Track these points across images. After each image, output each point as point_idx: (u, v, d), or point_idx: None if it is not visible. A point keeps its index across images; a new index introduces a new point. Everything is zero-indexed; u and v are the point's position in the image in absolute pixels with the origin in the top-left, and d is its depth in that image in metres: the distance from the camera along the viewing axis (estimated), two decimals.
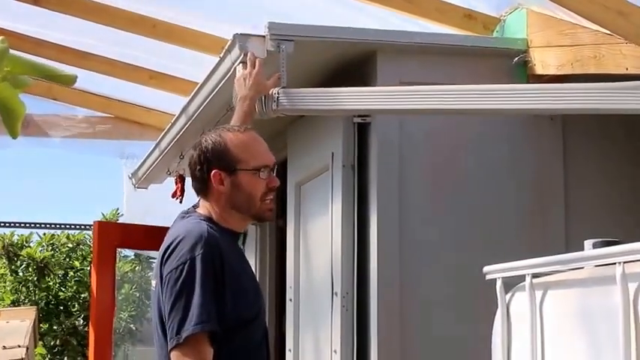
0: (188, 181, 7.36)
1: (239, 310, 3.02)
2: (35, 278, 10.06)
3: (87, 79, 7.17)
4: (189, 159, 3.25)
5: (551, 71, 4.39)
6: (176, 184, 7.17)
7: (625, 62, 3.90)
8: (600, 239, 2.45)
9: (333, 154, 4.63)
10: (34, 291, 10.04)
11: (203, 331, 2.91)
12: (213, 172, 3.16)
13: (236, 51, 4.46)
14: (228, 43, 4.57)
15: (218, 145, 3.20)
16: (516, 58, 4.51)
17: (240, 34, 4.40)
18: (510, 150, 4.64)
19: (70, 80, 2.30)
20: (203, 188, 3.22)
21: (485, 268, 2.72)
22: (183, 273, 2.97)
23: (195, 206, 3.32)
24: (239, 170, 3.17)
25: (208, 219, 3.17)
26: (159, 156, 6.94)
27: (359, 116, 4.51)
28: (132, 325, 10.62)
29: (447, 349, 4.32)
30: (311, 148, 5.06)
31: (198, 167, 3.20)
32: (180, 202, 7.37)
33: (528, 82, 4.44)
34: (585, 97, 3.74)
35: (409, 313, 4.34)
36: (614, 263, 2.20)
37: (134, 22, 6.21)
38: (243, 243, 3.53)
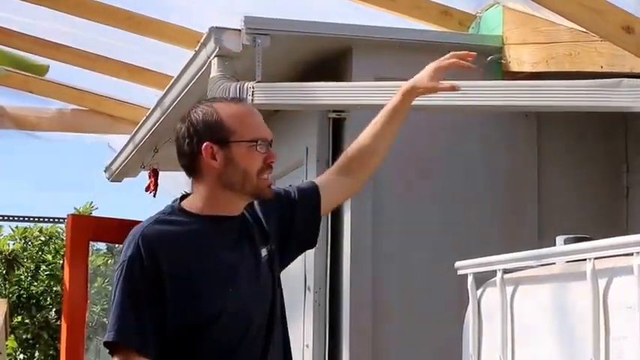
0: (162, 174, 7.41)
1: (184, 314, 2.73)
2: (4, 271, 10.03)
3: (61, 71, 7.13)
4: (177, 133, 2.86)
5: (526, 68, 4.41)
6: (149, 177, 7.17)
7: (600, 60, 3.92)
8: (571, 235, 2.47)
9: (307, 148, 4.64)
10: (4, 284, 10.00)
11: (120, 341, 2.73)
12: (204, 145, 2.79)
13: (211, 44, 4.47)
14: (204, 37, 4.57)
15: (209, 116, 2.81)
16: (491, 57, 4.53)
17: (216, 27, 4.41)
18: (485, 146, 4.66)
19: (43, 70, 2.30)
20: (192, 165, 2.85)
21: (457, 264, 2.73)
22: (115, 277, 2.81)
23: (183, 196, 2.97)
24: (233, 142, 2.80)
25: (180, 209, 2.85)
26: (133, 149, 6.93)
27: (334, 111, 4.52)
28: (104, 319, 10.60)
29: (419, 344, 4.34)
30: (285, 142, 5.05)
31: (187, 141, 2.82)
32: (154, 195, 7.37)
33: (503, 79, 4.46)
34: (560, 95, 3.76)
35: (381, 308, 4.36)
36: (585, 259, 2.22)
37: (109, 13, 6.19)
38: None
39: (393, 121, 3.18)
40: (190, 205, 2.87)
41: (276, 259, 2.94)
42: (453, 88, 3.13)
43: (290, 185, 3.10)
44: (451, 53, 3.20)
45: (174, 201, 2.94)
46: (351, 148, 3.14)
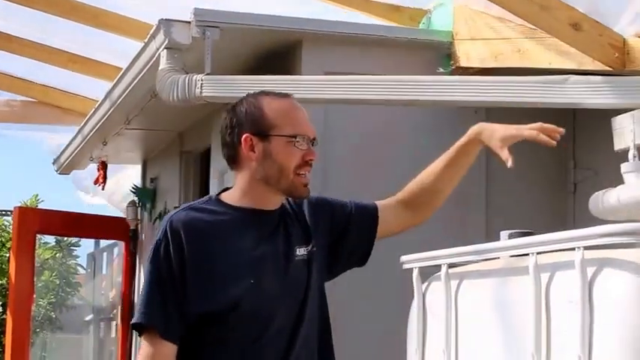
0: (110, 167, 7.38)
1: (201, 301, 2.76)
2: None
3: (9, 62, 7.08)
4: (221, 123, 2.90)
5: (476, 64, 4.43)
6: (98, 170, 7.14)
7: (548, 57, 3.95)
8: (515, 230, 2.49)
9: None
10: None
11: (145, 323, 2.79)
12: (244, 136, 2.81)
13: (160, 37, 4.45)
14: (153, 29, 4.56)
15: (252, 108, 2.85)
16: (440, 51, 4.55)
17: (165, 19, 4.39)
18: (434, 141, 4.64)
19: None
20: (233, 156, 2.85)
21: (403, 258, 2.74)
22: (146, 261, 2.88)
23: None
24: (272, 136, 2.81)
25: (217, 200, 2.88)
26: (81, 142, 6.90)
27: None
28: (51, 313, 10.54)
29: (364, 338, 4.36)
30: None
31: (228, 131, 2.85)
32: (103, 188, 7.34)
33: (452, 75, 4.48)
34: (508, 91, 3.79)
35: (328, 303, 4.36)
36: (528, 254, 2.24)
37: (57, 5, 6.15)
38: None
39: (457, 164, 3.09)
40: (228, 196, 2.89)
41: (319, 264, 2.93)
42: (507, 163, 2.87)
43: (350, 201, 3.07)
44: (539, 125, 2.93)
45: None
46: (414, 184, 3.11)
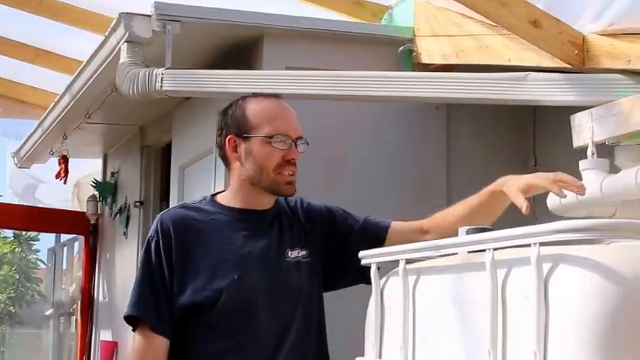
0: (72, 162, 7.33)
1: (184, 295, 2.86)
2: None
3: None
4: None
5: (437, 60, 4.43)
6: (59, 164, 7.09)
7: (508, 53, 3.96)
8: (473, 226, 2.48)
9: None
10: None
11: (137, 315, 2.88)
12: (228, 137, 2.95)
13: (121, 30, 4.43)
14: (113, 22, 4.53)
15: (237, 110, 2.98)
16: (402, 47, 4.55)
17: (126, 13, 4.37)
18: (396, 136, 4.69)
19: None
20: (222, 157, 3.01)
21: (361, 253, 2.73)
22: (140, 256, 3.00)
23: None
24: (252, 137, 2.92)
25: (211, 200, 3.01)
26: (42, 135, 6.86)
27: None
28: (11, 308, 10.46)
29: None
30: (196, 130, 5.04)
31: (218, 133, 3.00)
32: (65, 182, 7.29)
33: (414, 71, 4.48)
34: (468, 87, 3.80)
35: None
36: (485, 250, 2.24)
37: None
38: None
39: (482, 214, 3.02)
40: (222, 197, 3.02)
41: (315, 270, 3.01)
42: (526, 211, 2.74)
43: (362, 217, 3.11)
44: (560, 177, 2.76)
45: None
46: (443, 219, 3.09)
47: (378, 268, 2.68)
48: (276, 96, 3.05)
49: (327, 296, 4.37)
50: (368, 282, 2.89)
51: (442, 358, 2.39)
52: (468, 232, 2.48)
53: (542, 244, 2.07)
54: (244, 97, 3.04)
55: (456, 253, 2.47)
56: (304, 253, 2.99)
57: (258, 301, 2.88)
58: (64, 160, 7.04)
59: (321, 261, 3.04)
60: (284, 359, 2.88)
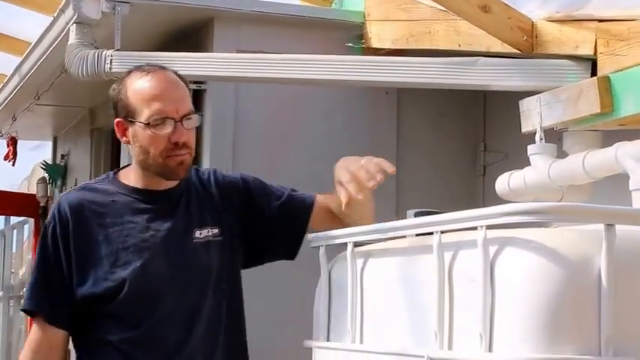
0: (20, 143, 7.27)
1: (85, 285, 2.68)
2: None
3: None
4: None
5: (387, 45, 4.43)
6: (8, 146, 7.04)
7: (458, 39, 3.96)
8: (421, 210, 2.48)
9: None
10: None
11: (30, 309, 2.75)
12: (115, 121, 2.72)
13: (70, 11, 4.39)
14: (62, 3, 4.50)
15: (120, 92, 2.71)
16: (352, 34, 4.54)
17: None
18: (346, 121, 4.69)
19: None
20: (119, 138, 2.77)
21: (310, 236, 2.72)
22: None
23: None
24: (135, 122, 2.67)
25: (114, 178, 2.79)
26: None
27: (194, 82, 4.47)
28: None
29: (272, 317, 4.35)
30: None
31: (111, 113, 2.77)
32: (13, 164, 7.23)
33: (364, 55, 4.47)
34: (418, 72, 3.80)
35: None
36: (433, 233, 2.23)
37: None
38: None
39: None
40: (125, 174, 2.81)
41: (229, 249, 2.81)
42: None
43: (285, 190, 2.93)
44: (355, 174, 2.69)
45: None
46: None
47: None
48: (161, 68, 2.75)
49: (273, 278, 4.39)
50: (292, 258, 2.91)
51: (390, 340, 2.39)
52: (415, 215, 2.47)
53: (489, 227, 2.07)
54: (127, 73, 2.76)
55: (405, 236, 2.47)
56: (215, 231, 2.79)
57: (163, 288, 2.70)
58: (13, 141, 6.99)
59: (239, 238, 2.84)
60: (193, 349, 2.71)
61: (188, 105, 2.72)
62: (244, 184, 2.89)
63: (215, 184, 2.86)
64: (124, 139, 2.73)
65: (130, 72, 2.76)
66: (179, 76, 2.77)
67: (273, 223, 2.86)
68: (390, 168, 2.59)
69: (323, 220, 2.89)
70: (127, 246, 2.69)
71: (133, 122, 2.68)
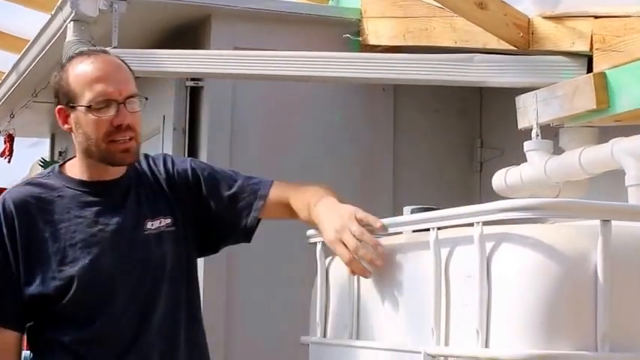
0: (17, 140, 7.25)
1: (33, 284, 2.56)
2: None
3: None
4: None
5: (384, 42, 4.42)
6: (5, 143, 7.04)
7: (454, 35, 3.95)
8: (418, 206, 2.48)
9: (164, 116, 4.59)
10: None
11: None
12: (56, 108, 2.62)
13: (67, 9, 4.38)
14: (60, 1, 4.49)
15: (60, 78, 2.62)
16: (346, 35, 4.53)
17: None
18: (343, 118, 4.68)
19: None
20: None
21: (308, 232, 2.71)
22: None
23: None
24: (77, 107, 2.57)
25: (59, 172, 2.67)
26: None
27: (191, 79, 4.48)
28: None
29: (272, 313, 4.36)
30: (143, 110, 4.99)
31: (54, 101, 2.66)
32: (9, 161, 7.22)
33: (361, 52, 4.47)
34: (415, 68, 3.80)
35: (234, 279, 4.36)
36: (429, 229, 2.23)
37: None
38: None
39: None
40: (70, 167, 2.70)
41: (183, 239, 2.70)
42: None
43: (240, 175, 2.80)
44: (343, 235, 2.46)
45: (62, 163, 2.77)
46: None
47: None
48: (103, 52, 2.68)
49: (270, 274, 4.40)
50: (248, 241, 2.78)
51: (387, 336, 2.39)
52: (412, 212, 2.48)
53: (485, 223, 2.07)
54: (71, 57, 2.66)
55: (401, 232, 2.47)
56: (168, 221, 2.67)
57: (114, 284, 2.58)
58: (10, 138, 6.98)
59: (192, 227, 2.73)
60: (148, 346, 2.59)
61: (132, 88, 2.63)
62: (194, 172, 2.77)
63: (165, 173, 2.75)
64: (66, 126, 2.63)
65: (71, 58, 2.67)
66: (123, 61, 2.68)
67: (224, 213, 2.75)
68: (376, 223, 2.43)
69: (277, 212, 2.78)
70: (74, 242, 2.58)
71: (74, 108, 2.58)
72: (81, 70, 2.58)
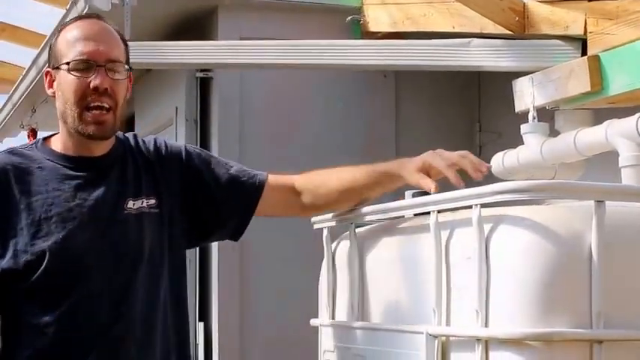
0: (40, 134, 7.24)
1: (8, 257, 2.33)
2: None
3: None
4: None
5: (384, 28, 4.38)
6: (28, 137, 7.04)
7: (452, 21, 3.91)
8: (419, 190, 2.45)
9: (177, 108, 4.58)
10: None
11: None
12: (44, 71, 2.44)
13: (81, 3, 4.37)
14: None
15: (54, 41, 2.43)
16: (350, 17, 4.50)
17: None
18: (346, 104, 4.65)
19: None
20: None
21: (314, 219, 2.69)
22: None
23: None
24: (60, 67, 2.36)
25: (43, 144, 2.46)
26: (11, 109, 6.81)
27: (201, 71, 4.46)
28: None
29: (282, 297, 4.34)
30: (157, 102, 4.99)
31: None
32: None
33: (362, 39, 4.43)
34: (415, 54, 3.77)
35: (247, 265, 4.36)
36: (430, 212, 2.21)
37: None
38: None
39: (370, 190, 2.58)
40: (55, 140, 2.47)
41: (167, 224, 2.45)
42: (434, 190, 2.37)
43: (234, 166, 2.59)
44: (457, 161, 2.52)
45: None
46: (320, 182, 2.60)
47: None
48: (97, 17, 2.46)
49: (279, 259, 4.37)
50: (235, 239, 2.62)
51: (391, 317, 2.36)
52: (414, 195, 2.45)
53: (483, 205, 2.04)
54: (65, 24, 2.45)
55: (404, 216, 2.44)
56: (152, 202, 2.43)
57: (88, 263, 2.34)
58: (33, 133, 6.97)
59: (180, 212, 2.49)
60: (123, 332, 2.36)
61: (116, 53, 2.39)
62: (187, 156, 2.55)
63: (156, 153, 2.51)
64: (50, 90, 2.42)
65: (65, 24, 2.46)
66: (117, 31, 2.46)
67: (217, 201, 2.54)
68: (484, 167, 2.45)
69: (275, 203, 2.60)
70: (50, 215, 2.34)
71: (58, 69, 2.37)
72: (69, 31, 2.39)
